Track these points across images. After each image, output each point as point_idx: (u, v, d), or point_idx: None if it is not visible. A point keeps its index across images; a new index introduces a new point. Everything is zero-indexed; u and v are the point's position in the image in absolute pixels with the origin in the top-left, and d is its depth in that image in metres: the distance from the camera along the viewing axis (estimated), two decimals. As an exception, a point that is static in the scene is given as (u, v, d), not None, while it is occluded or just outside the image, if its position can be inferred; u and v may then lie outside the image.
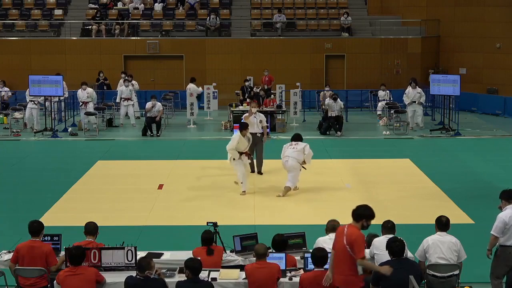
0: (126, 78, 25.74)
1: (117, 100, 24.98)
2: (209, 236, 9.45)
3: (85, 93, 23.86)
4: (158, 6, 31.48)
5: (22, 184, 16.70)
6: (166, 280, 8.49)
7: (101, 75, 28.32)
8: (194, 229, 12.46)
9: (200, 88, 25.64)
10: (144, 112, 24.21)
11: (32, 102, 23.49)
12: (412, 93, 23.85)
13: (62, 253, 9.24)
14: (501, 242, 9.50)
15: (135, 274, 8.35)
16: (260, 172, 17.41)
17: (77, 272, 8.42)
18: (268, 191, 15.65)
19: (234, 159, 15.18)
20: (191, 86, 25.42)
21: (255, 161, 17.44)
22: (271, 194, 15.41)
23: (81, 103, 23.89)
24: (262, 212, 14.07)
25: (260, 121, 17.33)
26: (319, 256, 8.51)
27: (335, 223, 9.65)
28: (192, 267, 8.27)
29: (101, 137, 22.84)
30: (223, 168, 17.74)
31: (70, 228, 11.93)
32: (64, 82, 25.54)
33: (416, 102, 23.81)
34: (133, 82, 26.61)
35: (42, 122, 23.46)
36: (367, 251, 9.59)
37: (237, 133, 15.45)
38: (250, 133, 16.95)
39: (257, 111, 17.51)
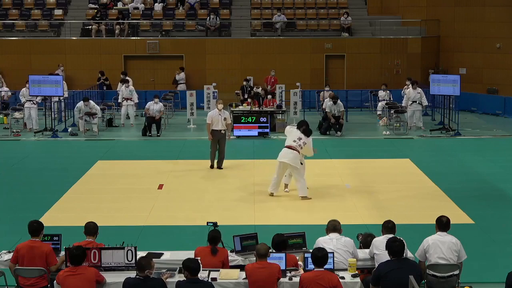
0: (126, 78, 25.77)
1: (119, 100, 25.02)
2: (217, 235, 9.42)
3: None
4: (158, 6, 31.49)
5: (22, 184, 16.69)
6: (166, 280, 8.50)
7: (99, 75, 28.40)
8: (194, 229, 12.53)
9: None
10: (144, 112, 24.21)
11: (31, 102, 23.48)
12: (412, 94, 23.84)
13: (62, 253, 9.24)
14: None
15: (135, 274, 8.36)
16: (220, 167, 17.84)
17: (77, 272, 8.41)
18: (268, 191, 15.61)
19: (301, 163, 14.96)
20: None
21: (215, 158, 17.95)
22: (271, 194, 15.38)
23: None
24: (262, 212, 14.06)
25: (225, 119, 17.81)
26: (319, 256, 8.51)
27: (335, 223, 9.64)
28: (189, 267, 8.27)
29: (101, 137, 22.83)
30: (222, 168, 17.76)
31: (70, 228, 11.93)
32: (64, 82, 25.68)
33: (417, 102, 23.79)
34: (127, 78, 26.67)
35: (40, 122, 23.47)
36: (366, 251, 9.61)
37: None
38: (214, 130, 17.35)
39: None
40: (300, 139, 14.71)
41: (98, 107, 23.50)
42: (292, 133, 14.90)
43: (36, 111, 23.55)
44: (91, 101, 23.36)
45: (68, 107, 25.58)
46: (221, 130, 17.71)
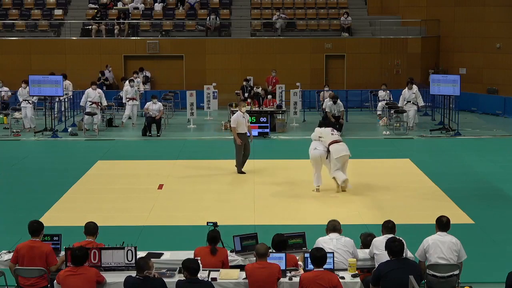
0: (131, 78, 25.75)
1: (124, 101, 25.01)
2: (217, 235, 9.42)
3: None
4: (158, 6, 31.49)
5: (22, 184, 16.69)
6: (166, 280, 8.48)
7: (99, 75, 28.39)
8: (194, 229, 12.52)
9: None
10: (143, 112, 24.20)
11: (27, 102, 23.48)
12: (407, 94, 23.85)
13: (62, 253, 9.24)
14: None
15: (135, 274, 8.36)
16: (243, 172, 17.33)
17: (78, 272, 8.41)
18: (268, 191, 15.64)
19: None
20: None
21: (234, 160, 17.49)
22: (271, 194, 15.41)
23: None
24: (262, 212, 14.06)
25: (248, 121, 17.52)
26: (318, 256, 8.51)
27: (335, 223, 9.64)
28: (189, 267, 8.27)
29: (101, 137, 22.83)
30: (222, 168, 17.76)
31: (70, 228, 11.94)
32: (69, 82, 25.73)
33: (411, 102, 23.80)
34: (139, 78, 26.72)
35: (40, 122, 23.45)
36: (366, 251, 9.61)
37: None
38: (241, 133, 16.98)
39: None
40: (333, 130, 15.74)
41: (103, 94, 23.92)
42: (326, 131, 15.62)
43: (31, 110, 23.54)
44: (98, 89, 23.84)
45: (68, 107, 25.59)
46: (246, 133, 17.17)
